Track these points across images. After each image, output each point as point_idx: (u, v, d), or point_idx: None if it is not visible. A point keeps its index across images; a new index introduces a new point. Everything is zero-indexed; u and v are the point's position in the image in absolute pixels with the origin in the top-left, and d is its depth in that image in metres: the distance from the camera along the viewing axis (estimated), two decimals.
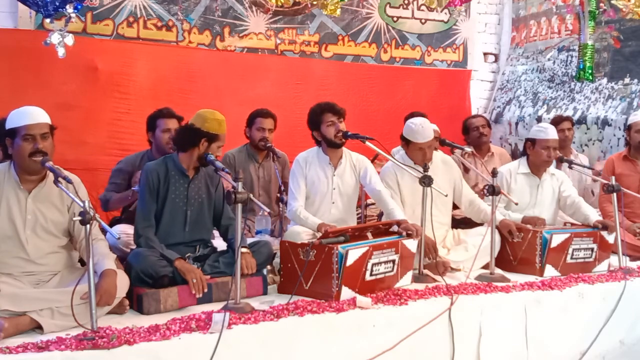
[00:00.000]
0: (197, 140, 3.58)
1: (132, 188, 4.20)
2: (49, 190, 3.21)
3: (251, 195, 3.27)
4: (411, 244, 3.84)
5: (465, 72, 7.74)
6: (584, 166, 5.13)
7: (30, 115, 3.13)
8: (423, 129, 4.37)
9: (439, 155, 4.69)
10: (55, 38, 3.94)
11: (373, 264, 3.62)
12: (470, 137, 5.75)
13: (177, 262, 3.42)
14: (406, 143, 4.47)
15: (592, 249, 4.41)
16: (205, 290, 3.40)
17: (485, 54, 8.00)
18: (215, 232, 4.32)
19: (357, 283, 3.56)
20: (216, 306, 3.29)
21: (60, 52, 3.98)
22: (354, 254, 3.50)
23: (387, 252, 3.69)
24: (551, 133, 4.72)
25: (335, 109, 4.18)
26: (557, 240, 4.28)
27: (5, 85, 5.25)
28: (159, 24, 6.10)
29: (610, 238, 4.45)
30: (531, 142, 4.77)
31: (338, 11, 5.43)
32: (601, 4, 5.73)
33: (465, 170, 5.35)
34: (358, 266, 3.55)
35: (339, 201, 4.28)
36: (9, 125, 3.14)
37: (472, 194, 4.64)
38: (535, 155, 4.76)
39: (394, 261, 3.74)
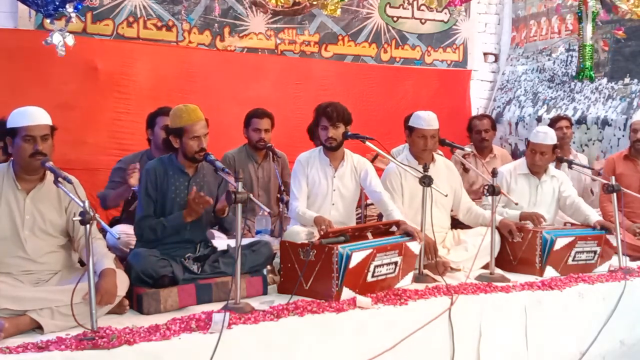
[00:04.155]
0: (170, 139, 3.61)
1: (132, 188, 4.20)
2: (47, 190, 3.21)
3: (251, 195, 3.26)
4: (414, 246, 3.84)
5: (465, 72, 7.74)
6: (584, 166, 5.13)
7: (32, 116, 3.13)
8: (429, 117, 4.42)
9: (443, 159, 4.70)
10: (56, 38, 3.94)
11: (375, 266, 3.62)
12: (473, 138, 5.80)
13: (185, 212, 3.48)
14: (410, 132, 4.48)
15: (594, 252, 4.41)
16: (211, 202, 3.48)
17: (485, 54, 8.00)
18: (216, 232, 4.32)
19: (358, 284, 3.56)
20: (216, 306, 3.29)
21: (61, 52, 3.98)
22: (357, 256, 3.49)
23: (390, 254, 3.68)
24: (541, 137, 4.71)
25: (329, 114, 4.14)
26: (560, 243, 4.27)
27: (5, 85, 5.25)
28: (159, 24, 6.10)
29: (612, 240, 4.45)
30: (527, 143, 4.83)
31: (338, 11, 5.44)
32: (596, 6, 5.76)
33: (465, 170, 5.36)
34: (361, 268, 3.54)
35: (339, 203, 4.28)
36: (10, 124, 3.14)
37: (470, 202, 4.65)
38: (526, 156, 4.81)
39: (396, 263, 3.74)
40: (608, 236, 4.44)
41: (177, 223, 3.52)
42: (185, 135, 3.56)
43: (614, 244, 4.45)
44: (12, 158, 3.22)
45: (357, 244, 3.61)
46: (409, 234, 3.85)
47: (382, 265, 3.65)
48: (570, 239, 4.31)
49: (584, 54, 5.80)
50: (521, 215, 4.56)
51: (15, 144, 3.13)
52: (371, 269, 3.60)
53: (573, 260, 4.34)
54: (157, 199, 3.61)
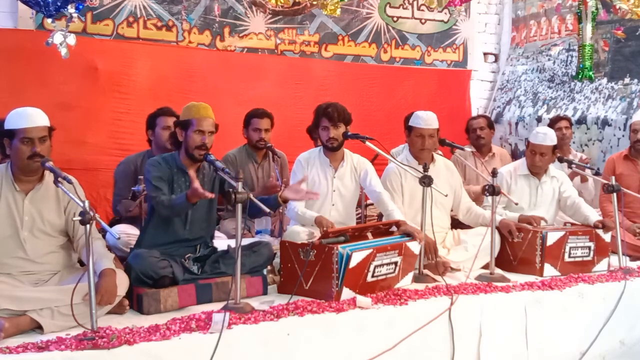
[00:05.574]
0: (176, 131, 3.62)
1: (132, 188, 4.19)
2: (45, 191, 3.22)
3: (251, 195, 3.26)
4: (414, 246, 3.84)
5: (465, 72, 7.74)
6: (584, 166, 5.14)
7: (29, 118, 3.13)
8: (428, 116, 4.42)
9: (442, 160, 4.69)
10: (57, 38, 3.94)
11: (375, 266, 3.62)
12: (470, 137, 5.82)
13: (189, 193, 3.34)
14: (409, 131, 4.48)
15: (589, 247, 4.41)
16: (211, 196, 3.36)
17: (485, 54, 8.00)
18: (216, 232, 4.32)
19: (358, 284, 3.56)
20: (216, 306, 3.29)
21: (63, 52, 3.97)
22: (357, 256, 3.49)
23: (390, 254, 3.68)
24: (541, 138, 4.71)
25: (330, 114, 4.14)
26: (552, 238, 4.28)
27: (5, 85, 5.25)
28: (159, 24, 6.10)
29: (606, 236, 4.45)
30: (527, 143, 4.84)
31: (338, 11, 5.44)
32: (597, 6, 5.77)
33: (483, 191, 5.32)
34: (361, 268, 3.54)
35: (339, 203, 4.28)
36: (8, 126, 3.14)
37: (470, 202, 4.65)
38: (526, 157, 4.81)
39: (396, 263, 3.74)
40: (603, 235, 4.42)
41: (182, 203, 3.41)
42: (190, 127, 3.58)
43: (606, 241, 4.45)
44: (10, 159, 3.22)
45: (357, 244, 3.61)
46: (409, 234, 3.85)
47: (382, 265, 3.65)
48: (561, 233, 4.32)
49: (584, 54, 5.80)
50: (520, 218, 4.55)
51: (13, 146, 3.13)
52: (371, 269, 3.60)
53: (569, 256, 4.34)
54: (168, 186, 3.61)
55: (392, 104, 7.09)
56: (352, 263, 3.47)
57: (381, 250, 3.63)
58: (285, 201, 3.68)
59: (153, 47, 6.04)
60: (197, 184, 3.30)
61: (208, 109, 3.65)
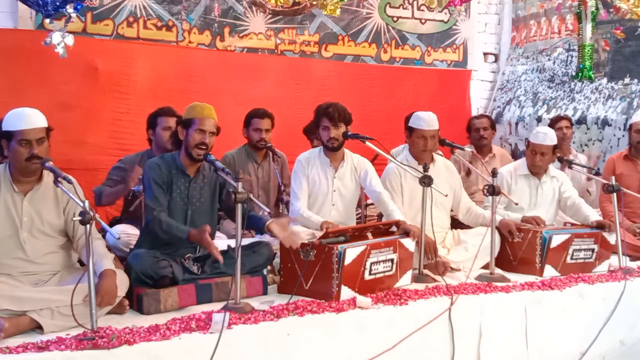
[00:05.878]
0: (178, 130, 3.62)
1: (133, 188, 4.20)
2: (44, 191, 3.21)
3: (251, 195, 3.26)
4: (409, 243, 3.85)
5: (465, 72, 7.74)
6: (584, 166, 5.14)
7: (27, 119, 3.11)
8: (429, 117, 4.42)
9: (442, 160, 4.70)
10: (55, 38, 3.94)
11: (372, 263, 3.62)
12: (472, 137, 5.81)
13: (192, 236, 3.42)
14: (410, 132, 4.48)
15: (592, 250, 4.41)
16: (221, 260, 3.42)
17: (485, 54, 8.00)
18: (217, 232, 4.32)
19: (356, 282, 3.56)
20: (216, 306, 3.29)
21: (60, 52, 3.97)
22: (351, 252, 3.50)
23: (385, 251, 3.69)
24: (541, 138, 4.71)
25: (330, 114, 4.14)
26: (557, 240, 4.28)
27: (5, 85, 5.24)
28: (159, 24, 6.10)
29: (611, 238, 4.45)
30: (527, 143, 4.83)
31: (338, 11, 5.45)
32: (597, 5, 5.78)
33: (467, 174, 5.36)
34: (356, 265, 3.55)
35: (339, 203, 4.28)
36: (5, 127, 3.13)
37: (470, 202, 4.65)
38: (526, 157, 4.81)
39: (392, 260, 3.74)
40: (609, 237, 4.43)
41: (179, 236, 3.47)
42: (192, 126, 3.58)
43: (611, 243, 4.44)
44: (8, 160, 3.21)
45: (354, 243, 3.61)
46: (407, 233, 3.85)
47: (378, 262, 3.65)
48: (566, 236, 4.32)
49: (583, 54, 5.81)
50: (522, 219, 4.55)
51: (11, 148, 3.12)
52: (367, 266, 3.60)
53: (572, 258, 4.34)
54: (167, 191, 3.60)
55: (392, 104, 7.09)
56: (347, 260, 3.48)
57: (375, 246, 3.63)
58: (270, 231, 3.61)
59: (153, 47, 6.05)
60: (213, 248, 3.36)
61: (211, 110, 3.66)
